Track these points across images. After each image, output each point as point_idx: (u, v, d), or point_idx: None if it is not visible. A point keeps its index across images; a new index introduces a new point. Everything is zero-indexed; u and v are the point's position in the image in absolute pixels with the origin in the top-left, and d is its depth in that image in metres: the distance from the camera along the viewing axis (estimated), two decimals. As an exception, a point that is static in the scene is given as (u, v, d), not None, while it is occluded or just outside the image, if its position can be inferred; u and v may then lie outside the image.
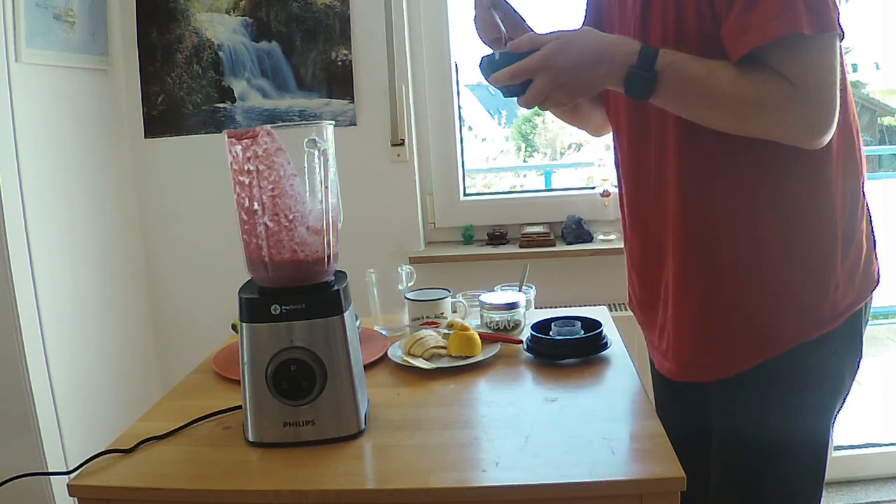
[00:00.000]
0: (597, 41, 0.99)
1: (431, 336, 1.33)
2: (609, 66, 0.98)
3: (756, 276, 1.07)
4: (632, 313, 1.33)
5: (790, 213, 1.05)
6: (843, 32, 0.94)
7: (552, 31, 1.02)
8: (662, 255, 1.15)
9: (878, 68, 3.07)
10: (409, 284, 1.51)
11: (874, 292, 1.14)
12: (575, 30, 1.02)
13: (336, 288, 1.03)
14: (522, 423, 1.04)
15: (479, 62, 1.05)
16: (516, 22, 1.19)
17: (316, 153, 0.99)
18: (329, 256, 1.03)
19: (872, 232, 1.14)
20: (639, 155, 1.16)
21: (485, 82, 1.06)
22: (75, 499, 0.95)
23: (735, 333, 1.09)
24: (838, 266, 1.07)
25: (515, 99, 1.03)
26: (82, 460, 0.98)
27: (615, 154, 1.27)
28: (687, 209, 1.09)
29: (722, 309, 1.09)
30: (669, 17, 1.03)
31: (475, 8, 1.19)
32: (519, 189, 2.96)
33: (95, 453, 0.99)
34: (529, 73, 0.99)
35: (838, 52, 0.95)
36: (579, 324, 1.35)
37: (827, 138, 0.97)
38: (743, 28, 0.95)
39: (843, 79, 0.98)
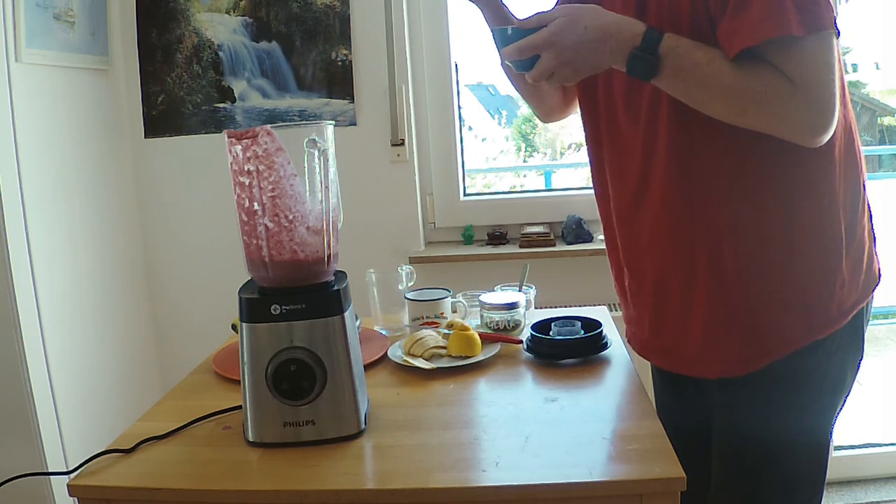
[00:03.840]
0: (602, 20, 1.00)
1: (431, 336, 1.32)
2: (613, 45, 0.99)
3: (761, 274, 1.07)
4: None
5: (794, 210, 1.05)
6: (838, 30, 0.94)
7: (562, 5, 1.03)
8: (657, 253, 1.14)
9: (878, 68, 3.07)
10: (409, 284, 1.51)
11: (876, 290, 1.14)
12: (583, 6, 1.02)
13: (336, 288, 1.03)
14: (522, 423, 1.04)
15: (491, 34, 1.07)
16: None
17: (316, 153, 0.99)
18: (329, 256, 1.03)
19: (873, 229, 1.14)
20: (633, 156, 1.15)
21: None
22: (75, 499, 0.95)
23: (742, 333, 1.08)
24: (843, 263, 1.07)
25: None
26: (82, 460, 0.98)
27: (591, 158, 1.26)
28: (687, 207, 1.09)
29: (728, 308, 1.09)
30: (665, 19, 1.03)
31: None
32: (519, 189, 2.96)
33: (95, 453, 0.99)
34: (536, 49, 1.00)
35: (835, 49, 0.95)
36: (579, 324, 1.34)
37: (827, 136, 0.97)
38: (734, 30, 0.95)
39: (841, 76, 0.99)
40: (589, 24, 0.99)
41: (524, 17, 1.04)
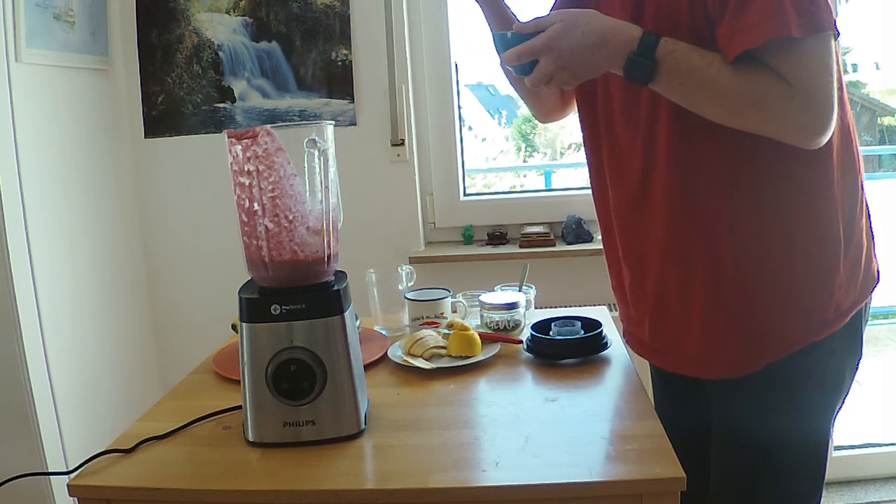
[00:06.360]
0: (600, 24, 1.00)
1: (431, 336, 1.32)
2: (610, 50, 0.99)
3: (760, 275, 1.07)
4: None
5: (792, 211, 1.05)
6: (837, 31, 0.94)
7: (560, 10, 1.03)
8: (657, 254, 1.14)
9: (878, 68, 3.07)
10: (409, 284, 1.51)
11: (874, 291, 1.14)
12: (580, 11, 1.02)
13: (336, 288, 1.03)
14: (522, 423, 1.04)
15: (492, 38, 1.08)
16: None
17: (316, 153, 0.99)
18: (329, 256, 1.03)
19: (871, 230, 1.14)
20: (633, 157, 1.15)
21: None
22: (75, 499, 0.95)
23: (741, 334, 1.08)
24: (840, 264, 1.07)
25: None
26: (82, 460, 0.98)
27: (589, 159, 1.27)
28: (687, 209, 1.09)
29: (726, 309, 1.09)
30: (663, 21, 1.03)
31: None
32: (519, 189, 2.96)
33: (95, 453, 0.99)
34: (535, 53, 1.00)
35: (833, 51, 0.95)
36: (579, 324, 1.34)
37: (825, 138, 0.97)
38: (733, 32, 0.95)
39: (839, 77, 0.98)
40: (586, 29, 0.99)
41: (523, 21, 1.04)
